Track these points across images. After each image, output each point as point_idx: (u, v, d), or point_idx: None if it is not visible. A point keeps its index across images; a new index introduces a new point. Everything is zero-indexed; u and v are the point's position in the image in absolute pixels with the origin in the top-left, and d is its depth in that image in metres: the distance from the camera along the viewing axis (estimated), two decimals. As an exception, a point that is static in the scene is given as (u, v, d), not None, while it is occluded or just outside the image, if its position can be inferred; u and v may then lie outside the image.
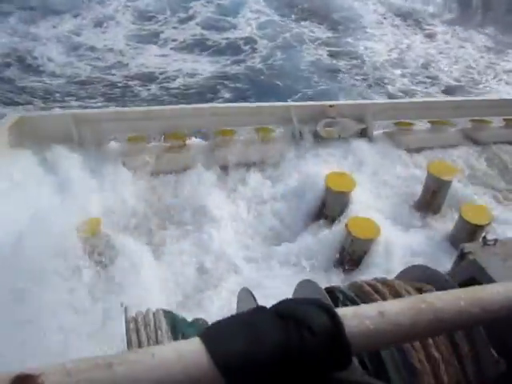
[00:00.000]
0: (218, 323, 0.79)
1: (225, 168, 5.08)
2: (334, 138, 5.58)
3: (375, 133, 5.77)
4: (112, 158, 5.02)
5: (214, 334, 0.76)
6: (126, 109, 6.62)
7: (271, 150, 5.35)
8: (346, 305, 1.86)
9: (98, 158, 5.02)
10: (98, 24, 13.00)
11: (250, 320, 0.79)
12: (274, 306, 0.84)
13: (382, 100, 6.28)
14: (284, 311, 0.80)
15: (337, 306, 1.82)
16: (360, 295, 1.92)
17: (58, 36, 12.19)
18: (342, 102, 6.30)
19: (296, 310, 0.81)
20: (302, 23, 14.52)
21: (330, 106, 5.52)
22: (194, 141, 5.49)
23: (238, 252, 4.25)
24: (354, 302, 1.88)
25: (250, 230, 4.51)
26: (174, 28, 13.32)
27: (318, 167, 5.00)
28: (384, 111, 5.89)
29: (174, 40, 12.70)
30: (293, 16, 14.82)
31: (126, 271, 3.76)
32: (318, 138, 5.55)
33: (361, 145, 5.49)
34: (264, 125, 5.65)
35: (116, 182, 4.69)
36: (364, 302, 1.87)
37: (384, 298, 1.87)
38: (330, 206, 4.55)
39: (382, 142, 5.62)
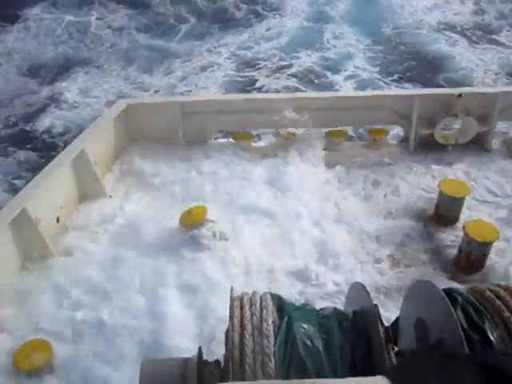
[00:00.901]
0: (407, 364, 0.68)
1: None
2: (449, 144, 5.47)
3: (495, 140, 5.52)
4: (217, 155, 5.27)
5: (405, 376, 0.67)
6: (234, 96, 6.55)
7: (384, 155, 5.35)
8: (466, 308, 1.83)
9: (202, 154, 5.30)
10: (204, 69, 14.16)
11: (448, 366, 0.69)
12: (472, 355, 0.71)
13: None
14: (485, 362, 0.71)
15: (456, 308, 1.80)
16: (480, 300, 1.89)
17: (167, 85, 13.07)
18: (471, 89, 5.91)
19: (499, 361, 0.70)
20: (406, 84, 13.56)
21: (459, 95, 5.20)
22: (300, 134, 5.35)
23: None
24: (474, 307, 1.85)
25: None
26: (268, 76, 13.72)
27: (430, 176, 5.03)
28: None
29: (263, 88, 12.89)
30: (395, 76, 13.86)
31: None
32: (433, 143, 5.43)
33: (477, 155, 5.35)
34: (377, 121, 5.52)
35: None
36: (485, 308, 1.84)
37: (507, 306, 1.83)
38: (444, 211, 4.49)
39: (499, 151, 5.42)
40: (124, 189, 4.92)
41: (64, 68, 13.90)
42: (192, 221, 4.04)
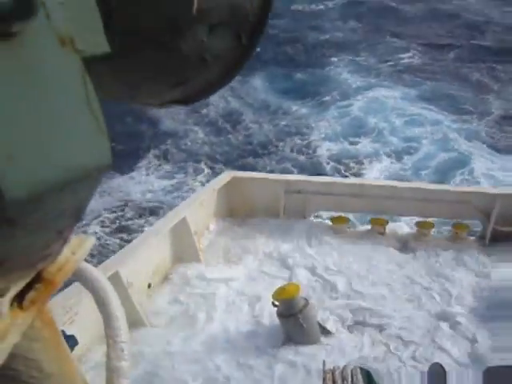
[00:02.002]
0: None
1: None
2: None
3: None
4: (314, 235, 5.59)
5: None
6: (334, 179, 6.81)
7: (464, 250, 5.55)
8: None
9: (301, 233, 5.60)
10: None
11: None
12: None
13: None
14: None
15: None
16: None
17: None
18: None
19: None
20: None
21: None
22: (396, 226, 5.93)
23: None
24: None
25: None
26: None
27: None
28: None
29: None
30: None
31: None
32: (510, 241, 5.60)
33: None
34: (458, 215, 5.81)
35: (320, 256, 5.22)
36: None
37: None
38: None
39: None
40: (221, 261, 5.02)
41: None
42: (285, 296, 4.05)
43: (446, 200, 5.78)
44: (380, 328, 4.29)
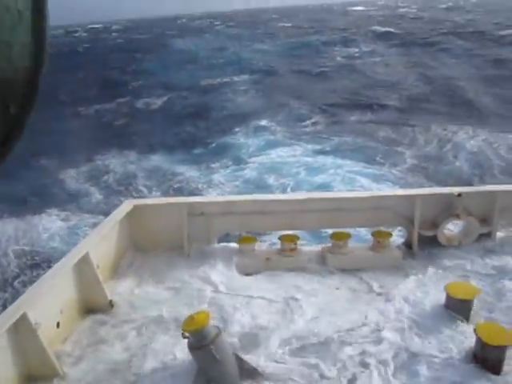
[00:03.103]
0: None
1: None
2: (453, 246, 5.45)
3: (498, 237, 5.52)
4: (222, 259, 5.21)
5: None
6: (239, 197, 6.09)
7: (386, 259, 5.29)
8: None
9: (208, 258, 5.24)
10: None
11: None
12: None
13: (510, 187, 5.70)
14: None
15: None
16: None
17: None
18: (469, 188, 5.78)
19: None
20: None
21: (458, 194, 5.36)
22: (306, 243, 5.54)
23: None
24: None
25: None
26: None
27: (436, 279, 4.91)
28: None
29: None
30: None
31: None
32: (436, 244, 5.43)
33: (481, 254, 5.32)
34: (380, 222, 5.54)
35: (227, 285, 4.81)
36: None
37: None
38: (452, 312, 4.32)
39: (505, 249, 5.36)
40: (126, 295, 4.77)
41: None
42: (194, 326, 3.79)
43: (363, 208, 5.50)
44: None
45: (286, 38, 51.71)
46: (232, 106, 24.19)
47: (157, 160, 18.40)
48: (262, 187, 14.53)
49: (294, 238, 5.40)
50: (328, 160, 16.27)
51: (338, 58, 33.63)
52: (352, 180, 14.40)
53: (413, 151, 17.07)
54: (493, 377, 3.65)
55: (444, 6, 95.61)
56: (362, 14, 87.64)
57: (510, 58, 31.15)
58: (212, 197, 5.79)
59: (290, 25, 65.78)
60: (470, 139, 17.59)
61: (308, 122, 21.43)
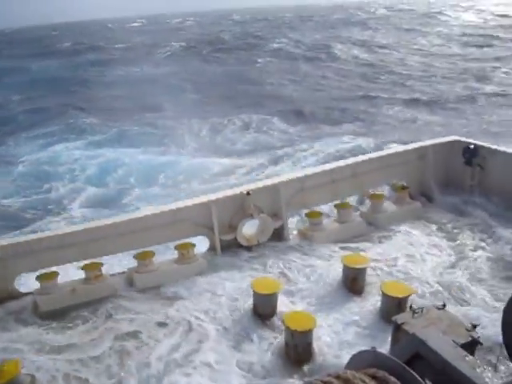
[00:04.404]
0: None
1: None
2: (253, 245, 5.81)
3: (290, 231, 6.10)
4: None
5: None
6: (32, 237, 5.37)
7: (192, 269, 5.33)
8: None
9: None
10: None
11: None
12: None
13: (290, 175, 6.45)
14: None
15: None
16: None
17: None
18: (257, 184, 6.12)
19: None
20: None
21: (247, 193, 5.68)
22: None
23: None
24: None
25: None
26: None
27: (241, 278, 5.19)
28: (294, 195, 6.08)
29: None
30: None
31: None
32: (238, 246, 5.73)
33: (278, 251, 5.79)
34: (181, 234, 5.57)
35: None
36: None
37: None
38: (260, 308, 4.62)
39: (296, 241, 5.99)
40: None
41: None
42: (4, 378, 3.48)
43: (163, 224, 5.46)
44: None
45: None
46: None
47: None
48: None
49: (97, 265, 5.13)
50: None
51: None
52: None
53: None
54: None
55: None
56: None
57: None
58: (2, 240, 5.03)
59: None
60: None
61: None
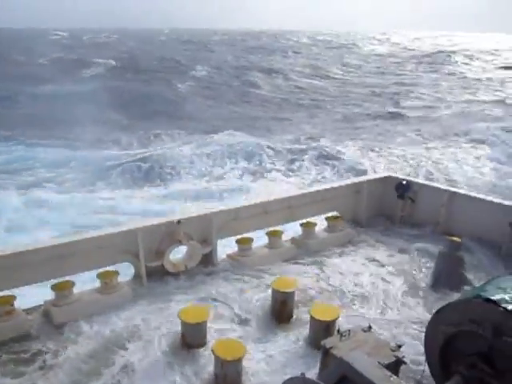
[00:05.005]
0: None
1: None
2: (180, 271, 5.63)
3: (219, 257, 6.03)
4: None
5: None
6: None
7: (115, 298, 5.05)
8: None
9: None
10: None
11: None
12: None
13: (223, 207, 6.40)
14: None
15: None
16: None
17: None
18: (188, 214, 6.00)
19: None
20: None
21: (178, 221, 5.58)
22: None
23: None
24: None
25: None
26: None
27: (167, 306, 4.99)
28: (227, 224, 6.07)
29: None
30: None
31: None
32: (165, 273, 5.54)
33: (206, 276, 5.71)
34: (102, 263, 5.23)
35: None
36: None
37: None
38: (188, 337, 4.44)
39: (226, 266, 5.93)
40: None
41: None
42: None
43: (84, 251, 5.10)
44: None
45: None
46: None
47: None
48: None
49: (9, 300, 4.63)
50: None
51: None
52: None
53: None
54: None
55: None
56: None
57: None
58: None
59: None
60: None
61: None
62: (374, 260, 6.42)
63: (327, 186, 8.03)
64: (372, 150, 21.60)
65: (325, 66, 56.56)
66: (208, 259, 5.94)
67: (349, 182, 8.03)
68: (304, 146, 21.92)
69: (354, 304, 5.28)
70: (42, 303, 4.96)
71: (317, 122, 29.06)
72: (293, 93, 40.24)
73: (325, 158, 20.42)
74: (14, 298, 4.67)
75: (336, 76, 50.28)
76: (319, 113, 32.44)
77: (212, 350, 3.97)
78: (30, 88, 35.16)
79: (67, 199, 15.02)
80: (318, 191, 7.35)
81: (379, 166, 19.09)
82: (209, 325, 4.54)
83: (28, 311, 4.83)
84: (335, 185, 7.87)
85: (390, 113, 31.68)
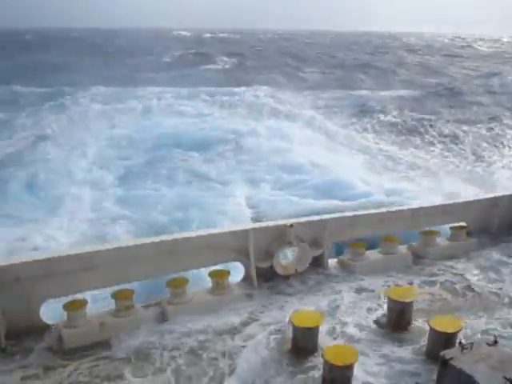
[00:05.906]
0: None
1: None
2: (290, 275, 5.61)
3: (330, 261, 5.92)
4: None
5: None
6: (59, 254, 4.90)
7: (229, 300, 5.10)
8: None
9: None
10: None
11: None
12: None
13: (339, 214, 6.25)
14: None
15: None
16: None
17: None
18: (301, 219, 5.94)
19: None
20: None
21: (291, 225, 5.54)
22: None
23: None
24: None
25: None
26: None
27: (279, 309, 5.00)
28: (341, 229, 5.97)
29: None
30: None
31: None
32: (274, 275, 5.54)
33: (317, 280, 5.63)
34: (217, 260, 5.35)
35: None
36: None
37: None
38: (299, 342, 4.38)
39: (336, 271, 5.80)
40: None
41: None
42: None
43: (197, 248, 5.21)
44: None
45: None
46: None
47: None
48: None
49: (129, 293, 4.83)
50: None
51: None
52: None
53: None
54: None
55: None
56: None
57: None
58: (25, 256, 4.55)
59: None
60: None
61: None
62: (498, 271, 5.89)
63: (460, 200, 7.72)
64: None
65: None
66: (319, 262, 5.85)
67: (485, 196, 7.78)
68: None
69: (478, 316, 4.83)
70: (158, 299, 5.13)
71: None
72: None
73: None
74: (132, 292, 4.85)
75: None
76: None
77: (322, 355, 3.91)
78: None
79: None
80: (448, 204, 7.23)
81: None
82: (320, 329, 4.48)
83: (146, 308, 5.00)
84: (470, 199, 7.67)
85: None
